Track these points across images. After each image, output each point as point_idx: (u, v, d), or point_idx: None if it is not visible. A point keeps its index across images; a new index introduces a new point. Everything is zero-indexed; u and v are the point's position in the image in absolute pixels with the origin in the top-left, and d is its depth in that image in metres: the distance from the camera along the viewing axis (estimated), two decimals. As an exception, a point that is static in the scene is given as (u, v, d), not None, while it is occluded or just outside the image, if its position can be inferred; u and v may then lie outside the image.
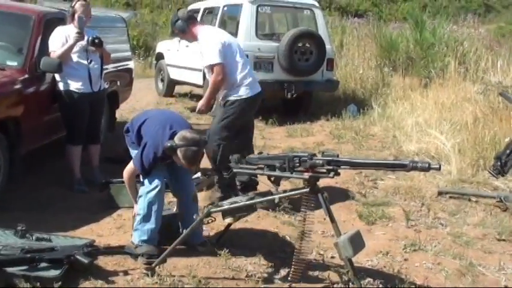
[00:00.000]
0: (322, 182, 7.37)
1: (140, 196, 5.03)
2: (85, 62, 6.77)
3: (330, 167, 4.24)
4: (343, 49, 16.44)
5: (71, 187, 6.88)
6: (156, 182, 5.00)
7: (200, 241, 5.26)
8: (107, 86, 7.69)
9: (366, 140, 10.12)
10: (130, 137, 5.36)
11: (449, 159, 8.26)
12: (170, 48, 14.64)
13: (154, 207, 4.94)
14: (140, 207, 4.99)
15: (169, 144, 4.79)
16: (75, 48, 6.67)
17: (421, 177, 7.74)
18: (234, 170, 4.74)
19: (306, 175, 4.35)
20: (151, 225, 4.95)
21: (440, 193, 7.20)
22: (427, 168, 3.94)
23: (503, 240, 5.97)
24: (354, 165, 4.49)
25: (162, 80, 15.33)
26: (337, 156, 4.30)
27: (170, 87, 15.08)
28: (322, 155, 4.37)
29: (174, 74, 14.46)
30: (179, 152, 4.79)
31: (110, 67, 8.79)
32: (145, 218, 4.94)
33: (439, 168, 3.98)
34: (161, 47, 15.79)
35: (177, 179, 5.31)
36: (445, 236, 5.96)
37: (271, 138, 10.40)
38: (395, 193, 7.26)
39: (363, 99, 13.54)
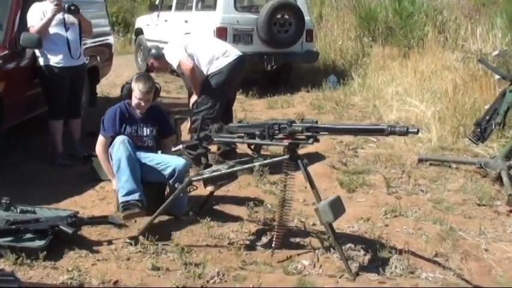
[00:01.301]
0: (303, 152, 7.49)
1: (111, 158, 5.22)
2: (63, 33, 6.75)
3: (309, 134, 4.28)
4: (322, 20, 16.39)
5: (54, 161, 6.90)
6: (118, 138, 5.19)
7: (183, 211, 5.30)
8: (87, 61, 7.66)
9: (346, 110, 10.12)
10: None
11: (430, 127, 8.30)
12: (149, 23, 14.57)
13: (123, 159, 5.07)
14: (114, 165, 5.18)
15: (125, 84, 5.39)
16: (53, 22, 6.64)
17: (402, 145, 7.79)
18: (215, 139, 4.78)
19: (286, 142, 4.39)
20: (125, 175, 5.06)
21: (420, 160, 7.23)
22: (405, 132, 3.95)
23: (483, 205, 6.03)
24: (332, 130, 4.54)
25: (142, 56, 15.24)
26: (316, 122, 4.34)
27: (150, 63, 14.95)
28: (301, 121, 4.40)
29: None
30: (134, 86, 5.26)
31: (89, 42, 8.77)
32: (120, 173, 5.08)
33: (417, 132, 4.01)
34: (140, 22, 15.69)
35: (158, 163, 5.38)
36: (425, 202, 6.01)
37: (251, 111, 10.41)
38: (376, 161, 7.29)
39: (343, 70, 13.55)
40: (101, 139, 5.44)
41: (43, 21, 6.55)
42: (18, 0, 6.79)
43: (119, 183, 5.09)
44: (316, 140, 4.34)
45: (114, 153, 5.16)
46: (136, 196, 5.03)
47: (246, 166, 4.69)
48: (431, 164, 7.17)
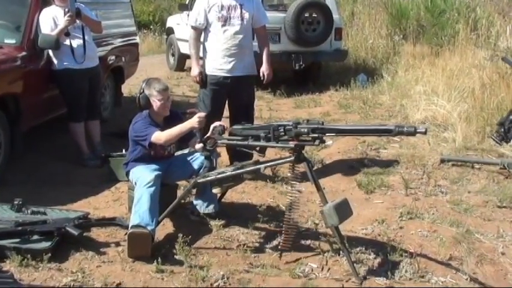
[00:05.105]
0: (323, 152, 7.43)
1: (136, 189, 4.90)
2: (65, 38, 6.65)
3: (315, 135, 4.23)
4: (354, 18, 16.30)
5: (82, 163, 6.91)
6: (148, 175, 4.88)
7: (194, 211, 5.28)
8: (110, 61, 7.65)
9: (373, 110, 10.04)
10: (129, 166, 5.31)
11: (455, 127, 8.16)
12: (180, 23, 14.61)
13: (145, 195, 4.72)
14: (135, 196, 4.83)
15: (139, 95, 5.11)
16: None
17: (425, 146, 7.68)
18: (219, 142, 4.73)
19: (291, 144, 4.35)
20: (142, 208, 4.67)
21: (442, 161, 7.10)
22: (413, 133, 3.91)
23: (504, 207, 5.89)
24: (339, 132, 4.49)
25: (173, 55, 15.32)
26: (322, 123, 4.28)
27: (181, 62, 15.00)
28: (307, 123, 4.35)
29: (185, 48, 14.39)
30: (149, 91, 5.06)
31: (115, 42, 8.83)
32: (138, 205, 4.69)
33: (425, 132, 3.93)
34: (171, 21, 15.79)
35: (178, 168, 5.30)
36: (444, 204, 5.89)
37: (278, 110, 10.37)
38: (398, 162, 7.19)
39: (373, 69, 13.44)
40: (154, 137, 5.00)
41: (55, 31, 6.48)
42: (37, 1, 6.77)
43: (135, 213, 4.68)
44: (322, 142, 4.29)
45: (138, 186, 4.82)
46: (148, 228, 4.59)
47: (251, 168, 4.63)
48: (453, 165, 7.03)
